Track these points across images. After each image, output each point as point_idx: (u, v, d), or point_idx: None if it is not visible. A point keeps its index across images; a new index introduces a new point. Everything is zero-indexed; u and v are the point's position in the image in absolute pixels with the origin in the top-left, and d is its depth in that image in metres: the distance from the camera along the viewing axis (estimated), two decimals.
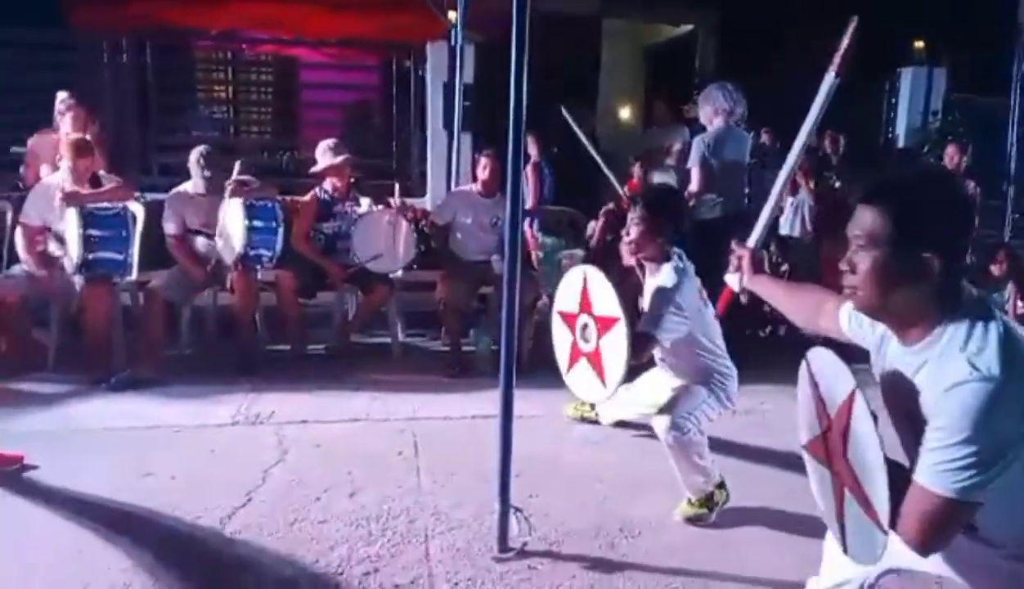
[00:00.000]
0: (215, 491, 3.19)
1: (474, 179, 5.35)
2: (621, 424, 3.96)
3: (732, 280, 2.42)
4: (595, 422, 4.05)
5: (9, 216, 4.75)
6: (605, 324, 2.98)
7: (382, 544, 2.84)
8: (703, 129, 5.45)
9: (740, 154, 5.32)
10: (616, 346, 2.93)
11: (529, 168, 5.78)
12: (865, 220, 1.64)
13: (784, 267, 5.80)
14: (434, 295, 5.03)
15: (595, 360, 3.07)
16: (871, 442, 1.60)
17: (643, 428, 3.82)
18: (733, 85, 5.47)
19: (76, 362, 4.54)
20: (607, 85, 11.04)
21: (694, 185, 5.18)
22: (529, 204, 6.59)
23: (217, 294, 5.10)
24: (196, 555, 2.74)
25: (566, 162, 8.27)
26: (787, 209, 6.45)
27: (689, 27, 10.57)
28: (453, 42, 6.25)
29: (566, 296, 3.26)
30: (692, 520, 3.08)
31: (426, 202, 6.19)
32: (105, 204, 4.51)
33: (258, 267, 4.82)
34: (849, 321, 1.95)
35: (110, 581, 2.55)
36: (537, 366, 3.78)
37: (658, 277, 3.14)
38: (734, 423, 3.97)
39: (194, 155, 4.86)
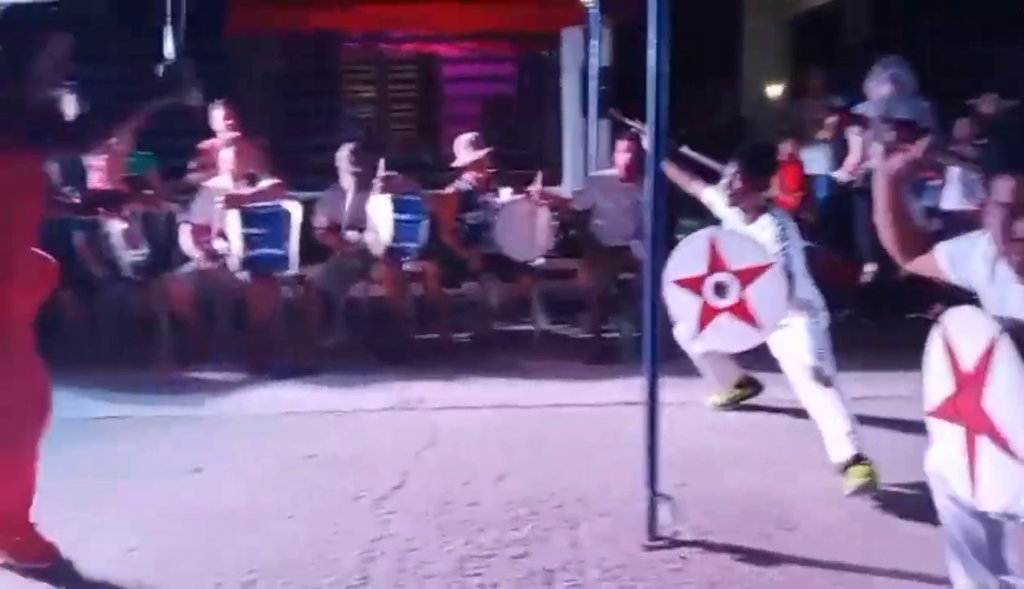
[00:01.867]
0: (372, 473, 3.33)
1: (613, 164, 5.29)
2: (761, 408, 3.85)
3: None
4: (743, 408, 3.94)
5: (178, 217, 5.14)
6: (749, 274, 3.19)
7: (531, 529, 2.87)
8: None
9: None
10: (769, 289, 3.17)
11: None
12: None
13: None
14: (576, 282, 5.02)
15: (741, 311, 3.20)
16: (1015, 381, 1.67)
17: (788, 412, 3.68)
18: (897, 59, 5.32)
19: (241, 352, 4.86)
20: (751, 59, 10.61)
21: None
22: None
23: (369, 286, 5.31)
24: (353, 532, 2.86)
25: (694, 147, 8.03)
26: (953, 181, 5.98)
27: None
28: (588, 26, 6.19)
29: (684, 263, 3.27)
30: (861, 490, 2.97)
31: (563, 189, 6.18)
32: (262, 203, 4.80)
33: (405, 258, 4.98)
34: (951, 261, 2.10)
35: (272, 558, 2.71)
36: (680, 352, 3.71)
37: (762, 228, 3.52)
38: (893, 407, 3.75)
39: (342, 153, 5.08)
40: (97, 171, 4.88)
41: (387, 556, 2.72)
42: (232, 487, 3.26)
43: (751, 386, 3.99)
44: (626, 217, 5.08)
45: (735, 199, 3.67)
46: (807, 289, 3.51)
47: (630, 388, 3.91)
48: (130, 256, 4.74)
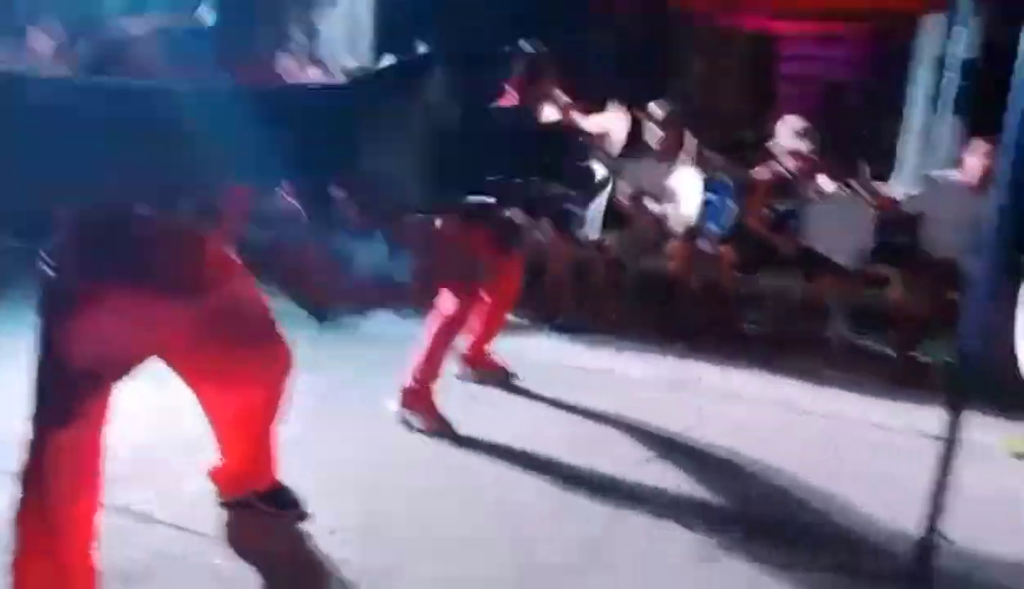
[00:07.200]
0: (619, 442, 3.38)
1: (959, 167, 4.68)
2: None
3: None
4: None
5: None
6: None
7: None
8: None
9: None
10: None
11: None
12: None
13: None
14: (889, 293, 4.56)
15: None
16: None
17: None
18: None
19: (534, 302, 5.08)
20: None
21: None
22: None
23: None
24: (606, 493, 2.91)
25: None
26: None
27: None
28: (953, 11, 5.48)
29: None
30: None
31: (891, 186, 5.59)
32: None
33: (703, 238, 4.84)
34: None
35: (514, 496, 2.84)
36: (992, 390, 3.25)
37: None
38: None
39: (653, 114, 4.99)
40: None
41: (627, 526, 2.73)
42: (496, 425, 3.45)
43: None
44: (964, 229, 4.46)
45: None
46: None
47: (927, 419, 3.52)
48: None
